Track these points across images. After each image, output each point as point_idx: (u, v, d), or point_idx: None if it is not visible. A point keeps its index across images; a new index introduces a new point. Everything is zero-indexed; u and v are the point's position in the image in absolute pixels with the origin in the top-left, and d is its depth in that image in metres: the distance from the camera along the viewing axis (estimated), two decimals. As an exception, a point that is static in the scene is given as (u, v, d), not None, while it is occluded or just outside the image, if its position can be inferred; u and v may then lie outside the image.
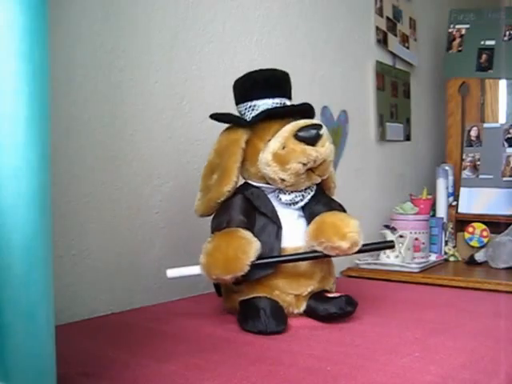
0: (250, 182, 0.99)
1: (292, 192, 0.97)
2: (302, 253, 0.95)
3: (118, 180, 1.11)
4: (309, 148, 0.91)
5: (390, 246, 1.07)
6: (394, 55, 2.11)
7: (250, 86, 1.00)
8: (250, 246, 0.88)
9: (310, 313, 0.97)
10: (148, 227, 1.17)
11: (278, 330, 0.88)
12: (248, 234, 0.90)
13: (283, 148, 0.92)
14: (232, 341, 0.85)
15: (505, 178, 2.05)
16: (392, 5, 2.10)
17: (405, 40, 2.19)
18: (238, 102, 1.03)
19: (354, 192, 1.85)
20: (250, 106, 0.99)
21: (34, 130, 0.55)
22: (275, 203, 0.97)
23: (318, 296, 0.97)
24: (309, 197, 0.98)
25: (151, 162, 1.18)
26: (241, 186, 0.99)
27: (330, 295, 0.97)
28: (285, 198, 0.97)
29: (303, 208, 0.99)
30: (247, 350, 0.80)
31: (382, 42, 2.02)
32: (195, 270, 0.93)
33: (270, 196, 0.98)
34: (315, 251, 0.94)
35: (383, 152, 2.06)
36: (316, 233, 0.93)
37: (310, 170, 0.94)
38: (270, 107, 0.98)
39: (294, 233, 0.97)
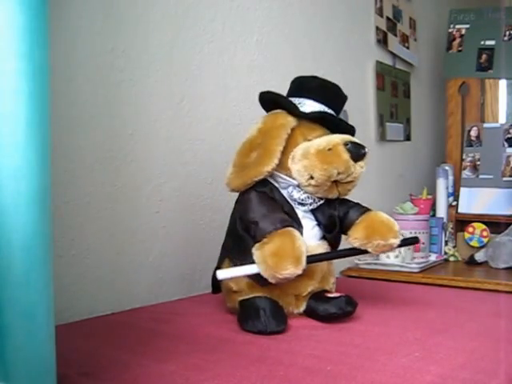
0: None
1: (306, 192, 0.98)
2: (345, 249, 1.00)
3: (118, 180, 1.11)
4: (351, 161, 0.94)
5: (415, 241, 1.09)
6: (394, 55, 2.11)
7: (317, 86, 1.03)
8: (304, 245, 0.90)
9: (309, 313, 0.97)
10: (148, 227, 1.17)
11: (278, 330, 0.88)
12: (299, 234, 0.91)
13: (329, 149, 0.94)
14: (232, 341, 0.85)
15: (505, 178, 2.05)
16: (392, 5, 2.10)
17: (405, 40, 2.19)
18: (293, 94, 1.04)
19: (354, 192, 1.85)
20: (300, 103, 1.00)
21: (34, 130, 0.55)
22: None
23: (318, 296, 0.97)
24: (319, 203, 1.00)
25: (151, 162, 1.18)
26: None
27: (329, 295, 0.97)
28: (298, 195, 0.98)
29: (314, 212, 1.00)
30: (247, 349, 0.80)
31: (382, 42, 2.02)
32: (251, 269, 0.90)
33: (283, 192, 0.99)
34: (355, 248, 0.98)
35: (383, 152, 2.06)
36: (368, 231, 0.97)
37: (335, 184, 0.96)
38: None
39: (304, 232, 0.98)
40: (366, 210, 1.01)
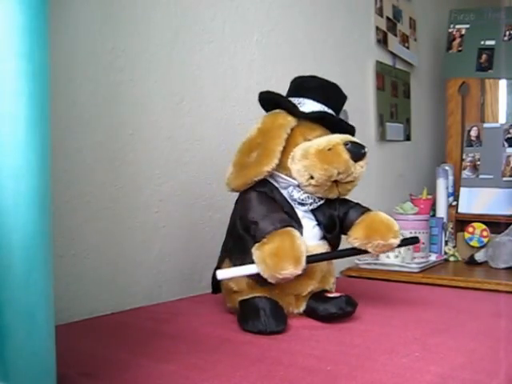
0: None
1: (306, 192, 0.98)
2: (345, 249, 1.00)
3: (118, 180, 1.11)
4: (351, 161, 0.94)
5: (414, 241, 1.09)
6: (394, 55, 2.11)
7: (316, 86, 1.03)
8: (304, 245, 0.90)
9: (309, 313, 0.97)
10: (148, 227, 1.17)
11: (278, 330, 0.88)
12: (299, 233, 0.91)
13: (329, 149, 0.94)
14: (232, 341, 0.85)
15: (505, 178, 2.05)
16: (392, 5, 2.10)
17: (405, 40, 2.19)
18: (292, 94, 1.04)
19: (354, 192, 1.85)
20: (299, 103, 1.01)
21: (34, 130, 0.55)
22: None
23: (318, 296, 0.97)
24: (319, 203, 1.00)
25: (151, 162, 1.18)
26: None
27: (329, 295, 0.97)
28: (298, 195, 0.98)
29: (314, 212, 1.00)
30: (247, 349, 0.80)
31: (382, 42, 2.02)
32: (250, 269, 0.91)
33: (283, 192, 0.99)
34: (355, 248, 0.99)
35: (383, 152, 2.06)
36: (368, 231, 0.97)
37: (335, 184, 0.96)
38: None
39: (304, 232, 0.97)
40: (366, 209, 1.02)
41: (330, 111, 1.02)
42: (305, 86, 1.04)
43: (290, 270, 0.87)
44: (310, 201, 0.99)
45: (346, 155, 0.94)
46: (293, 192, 0.98)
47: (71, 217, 1.03)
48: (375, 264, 1.73)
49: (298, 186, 0.98)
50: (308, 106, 1.00)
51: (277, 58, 1.52)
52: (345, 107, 1.10)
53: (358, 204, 1.04)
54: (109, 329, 0.93)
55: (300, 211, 0.99)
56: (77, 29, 1.03)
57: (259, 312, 0.89)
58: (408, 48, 2.21)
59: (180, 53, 1.24)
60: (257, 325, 0.88)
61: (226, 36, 1.36)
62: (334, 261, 1.03)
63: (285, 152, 0.97)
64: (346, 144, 0.95)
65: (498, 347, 0.82)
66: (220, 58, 1.35)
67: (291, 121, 0.98)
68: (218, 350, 0.81)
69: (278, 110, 1.00)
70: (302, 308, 0.98)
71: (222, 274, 0.93)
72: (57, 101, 0.97)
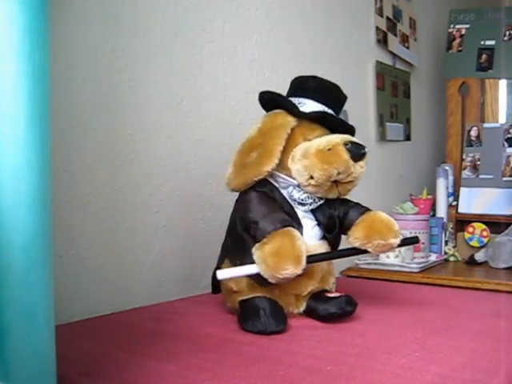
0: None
1: (306, 192, 0.98)
2: (345, 249, 1.01)
3: (118, 180, 1.11)
4: (351, 161, 0.94)
5: (415, 241, 1.08)
6: (394, 55, 2.11)
7: (316, 86, 1.03)
8: (304, 245, 0.90)
9: (309, 313, 0.97)
10: (148, 227, 1.17)
11: (278, 330, 0.88)
12: (299, 233, 0.92)
13: (329, 149, 0.94)
14: (232, 341, 0.85)
15: (505, 178, 2.05)
16: (392, 5, 2.10)
17: (405, 40, 2.19)
18: (292, 94, 1.04)
19: (354, 192, 1.85)
20: (299, 102, 1.01)
21: (34, 130, 0.55)
22: None
23: (318, 296, 0.97)
24: (319, 203, 1.00)
25: (151, 162, 1.18)
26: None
27: (329, 295, 0.97)
28: (298, 195, 0.98)
29: (314, 212, 1.00)
30: (247, 349, 0.80)
31: (382, 42, 2.02)
32: (251, 269, 0.91)
33: (283, 192, 0.99)
34: (355, 248, 0.99)
35: (383, 152, 2.06)
36: (368, 231, 0.97)
37: (335, 184, 0.96)
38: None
39: (304, 232, 0.97)
40: (366, 209, 1.02)
41: (329, 111, 1.02)
42: (305, 86, 1.04)
43: (290, 270, 0.87)
44: (310, 201, 0.99)
45: (345, 155, 0.94)
46: (292, 192, 0.98)
47: (71, 217, 1.03)
48: (375, 264, 1.73)
49: (298, 185, 0.98)
50: (308, 106, 1.00)
51: (277, 58, 1.52)
52: (345, 107, 1.10)
53: (357, 204, 1.04)
54: (109, 329, 0.93)
55: (300, 211, 0.99)
56: (77, 29, 1.03)
57: (259, 312, 0.90)
58: (408, 48, 2.21)
59: (180, 53, 1.24)
60: (257, 325, 0.88)
61: (225, 36, 1.36)
62: (334, 261, 1.03)
63: (285, 152, 0.97)
64: (345, 144, 0.95)
65: (497, 347, 0.82)
66: (220, 58, 1.35)
67: (291, 121, 0.98)
68: (218, 350, 0.81)
69: (278, 110, 1.00)
70: (302, 308, 0.98)
71: (222, 274, 0.93)
72: (57, 101, 0.97)
